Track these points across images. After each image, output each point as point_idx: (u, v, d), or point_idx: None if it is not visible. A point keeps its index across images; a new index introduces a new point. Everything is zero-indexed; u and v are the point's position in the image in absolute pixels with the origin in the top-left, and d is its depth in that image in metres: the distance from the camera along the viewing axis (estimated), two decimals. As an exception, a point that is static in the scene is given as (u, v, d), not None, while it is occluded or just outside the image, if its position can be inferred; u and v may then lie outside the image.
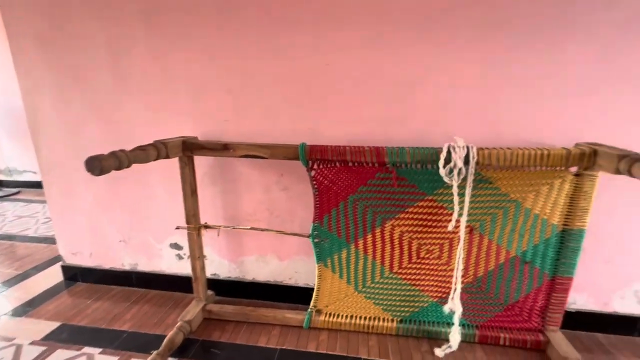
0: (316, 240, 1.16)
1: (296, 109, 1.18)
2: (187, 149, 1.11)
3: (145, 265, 1.49)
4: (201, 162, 1.27)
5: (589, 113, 1.05)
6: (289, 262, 1.36)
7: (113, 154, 0.84)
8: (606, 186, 1.04)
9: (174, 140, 1.07)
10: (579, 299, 1.21)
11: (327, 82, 1.14)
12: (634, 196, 1.08)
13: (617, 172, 0.85)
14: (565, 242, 1.04)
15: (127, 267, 1.51)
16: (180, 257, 1.44)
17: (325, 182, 1.09)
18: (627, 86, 1.01)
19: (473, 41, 1.04)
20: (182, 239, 1.39)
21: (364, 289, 1.20)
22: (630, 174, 0.81)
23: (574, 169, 0.99)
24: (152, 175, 1.34)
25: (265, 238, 1.34)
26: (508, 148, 0.96)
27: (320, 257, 1.18)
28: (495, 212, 1.05)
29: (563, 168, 0.98)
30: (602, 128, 1.05)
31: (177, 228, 1.25)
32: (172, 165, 1.21)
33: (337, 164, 1.06)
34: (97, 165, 0.79)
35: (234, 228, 1.30)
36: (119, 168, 0.85)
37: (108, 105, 1.30)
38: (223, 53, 1.17)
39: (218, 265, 1.42)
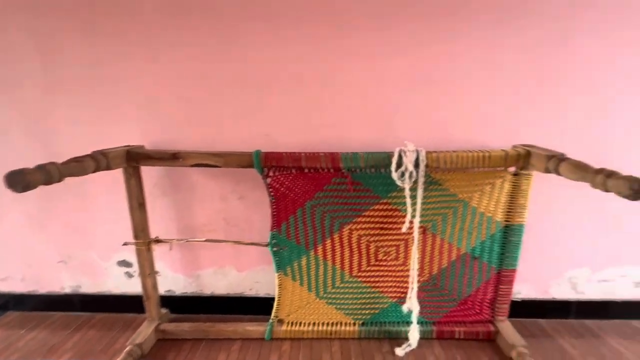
0: (275, 248, 1.14)
1: (251, 115, 1.16)
2: (132, 159, 1.04)
3: (90, 286, 1.36)
4: (151, 172, 1.19)
5: (527, 115, 1.14)
6: (248, 273, 1.32)
7: (41, 167, 0.76)
8: (542, 184, 1.14)
9: (115, 150, 1.00)
10: (523, 288, 1.31)
11: (282, 88, 1.13)
12: (566, 193, 1.19)
13: (547, 171, 0.93)
14: (508, 237, 1.12)
15: (67, 290, 1.37)
16: (129, 275, 1.33)
17: (282, 189, 1.08)
18: (561, 88, 1.11)
19: (421, 44, 1.09)
20: (132, 255, 1.29)
21: (325, 295, 1.19)
22: (557, 172, 0.90)
23: (512, 169, 1.07)
24: (94, 187, 1.23)
25: (223, 249, 1.28)
26: (454, 151, 1.02)
27: (280, 266, 1.16)
28: (446, 212, 1.10)
29: (503, 168, 1.06)
30: (538, 129, 1.15)
31: (125, 244, 1.16)
32: (117, 176, 1.13)
33: (293, 170, 1.05)
34: (20, 180, 0.71)
35: (188, 241, 1.24)
36: (48, 183, 0.76)
37: (38, 113, 1.18)
38: (170, 56, 1.12)
39: (172, 281, 1.34)
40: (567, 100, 1.12)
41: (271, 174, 1.06)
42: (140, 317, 1.31)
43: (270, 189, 1.08)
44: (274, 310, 1.20)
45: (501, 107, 1.14)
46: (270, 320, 1.20)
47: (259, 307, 1.31)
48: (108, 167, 0.96)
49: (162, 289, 1.32)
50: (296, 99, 1.14)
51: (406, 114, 1.15)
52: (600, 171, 0.76)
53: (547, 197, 1.18)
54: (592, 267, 1.27)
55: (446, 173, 1.06)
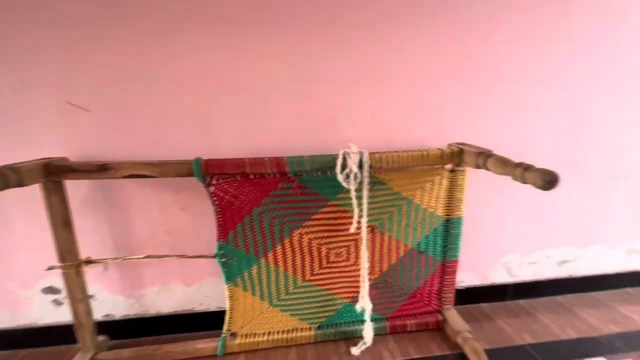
0: (223, 259, 1.09)
1: (192, 119, 1.10)
2: (52, 173, 0.93)
3: (9, 320, 1.19)
4: (79, 186, 1.08)
5: (463, 114, 1.23)
6: (197, 287, 1.25)
7: None
8: (476, 179, 1.23)
9: (30, 164, 0.88)
10: (465, 277, 1.40)
11: (224, 92, 1.09)
12: (497, 186, 1.30)
13: (477, 166, 1.01)
14: (449, 230, 1.20)
15: (-19, 328, 1.18)
16: (57, 303, 1.19)
17: (227, 197, 1.04)
18: (486, 86, 1.21)
19: (359, 44, 1.12)
20: (59, 280, 1.15)
21: (278, 303, 1.17)
22: (486, 167, 0.97)
23: (448, 166, 1.14)
24: (8, 207, 1.08)
25: (168, 264, 1.20)
26: (395, 151, 1.06)
27: (230, 277, 1.12)
28: (391, 210, 1.14)
29: (440, 166, 1.13)
30: (472, 128, 1.24)
31: (50, 268, 1.03)
32: (37, 193, 1.00)
33: (238, 177, 1.02)
34: None
35: (125, 259, 1.14)
36: None
37: None
38: (94, 55, 1.02)
39: (111, 304, 1.22)
40: (494, 97, 1.23)
41: (214, 182, 1.02)
42: (73, 348, 1.17)
43: (214, 198, 1.03)
44: (225, 324, 1.15)
45: (437, 106, 1.21)
46: (223, 335, 1.15)
47: (212, 322, 1.24)
48: (20, 184, 0.84)
49: (99, 314, 1.20)
50: (238, 103, 1.11)
51: (349, 116, 1.17)
52: (519, 165, 0.84)
53: (480, 191, 1.28)
54: (522, 252, 1.41)
55: (389, 173, 1.10)
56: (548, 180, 0.75)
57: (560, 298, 1.45)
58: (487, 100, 1.23)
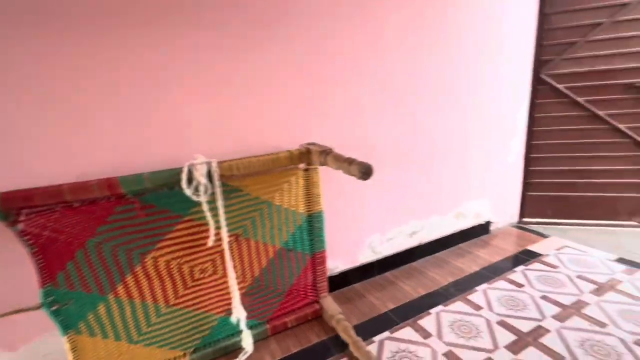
0: (53, 307, 0.91)
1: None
2: None
3: None
4: None
5: (317, 115, 1.32)
6: (28, 348, 1.01)
7: None
8: (337, 173, 1.35)
9: None
10: (339, 263, 1.53)
11: (38, 105, 0.90)
12: (351, 177, 1.46)
13: (322, 164, 1.11)
14: (313, 224, 1.28)
15: None
16: None
17: (46, 233, 0.87)
18: (331, 88, 1.33)
19: (202, 50, 1.09)
20: None
21: (140, 338, 1.05)
22: (327, 164, 1.07)
23: (303, 166, 1.22)
24: None
25: (-25, 331, 0.94)
26: (246, 157, 1.07)
27: (69, 325, 0.94)
28: (253, 215, 1.15)
29: (294, 166, 1.19)
30: (322, 128, 1.35)
31: None
32: None
33: (58, 207, 0.86)
34: None
35: None
36: None
37: None
38: None
39: None
40: (341, 98, 1.36)
41: (23, 218, 0.83)
42: None
43: (27, 237, 0.85)
44: (72, 382, 0.97)
45: (291, 110, 1.28)
46: (71, 395, 0.96)
47: (58, 383, 1.03)
48: None
49: None
50: (55, 117, 0.93)
51: (199, 126, 1.13)
52: (346, 160, 0.96)
53: (341, 183, 1.41)
54: (381, 231, 1.62)
55: (244, 179, 1.11)
56: (364, 172, 0.88)
57: (415, 264, 1.73)
58: (335, 101, 1.36)
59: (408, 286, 1.53)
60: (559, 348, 1.10)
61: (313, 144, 1.23)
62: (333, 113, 1.37)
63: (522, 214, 2.11)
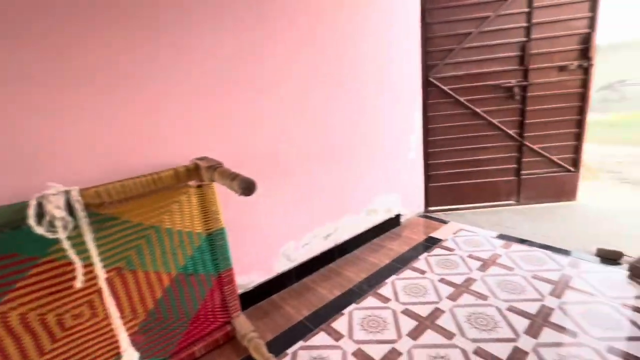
0: None
1: None
2: None
3: None
4: None
5: (210, 129, 1.24)
6: None
7: None
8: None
9: None
10: (253, 277, 1.48)
11: None
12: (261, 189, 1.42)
13: (211, 180, 1.05)
14: (214, 243, 1.21)
15: None
16: None
17: None
18: (224, 101, 1.27)
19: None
20: None
21: (-6, 413, 0.86)
22: (215, 180, 1.01)
23: (194, 183, 1.13)
24: None
25: None
26: (119, 181, 0.95)
27: None
28: (138, 243, 1.03)
29: (183, 184, 1.10)
30: (221, 141, 1.28)
31: None
32: None
33: None
34: None
35: None
36: None
37: None
38: None
39: None
40: (236, 108, 1.31)
41: None
42: None
43: None
44: None
45: (180, 123, 1.18)
46: None
47: None
48: None
49: None
50: None
51: (63, 148, 0.97)
52: (229, 176, 0.91)
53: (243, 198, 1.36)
54: (296, 238, 1.62)
55: (121, 205, 0.98)
56: (244, 187, 0.85)
57: (332, 265, 1.77)
58: (233, 111, 1.30)
59: (324, 289, 1.56)
60: (450, 326, 1.23)
61: (204, 158, 1.15)
62: (231, 124, 1.31)
63: (427, 204, 2.33)
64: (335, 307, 1.41)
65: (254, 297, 1.48)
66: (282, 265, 1.58)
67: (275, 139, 1.45)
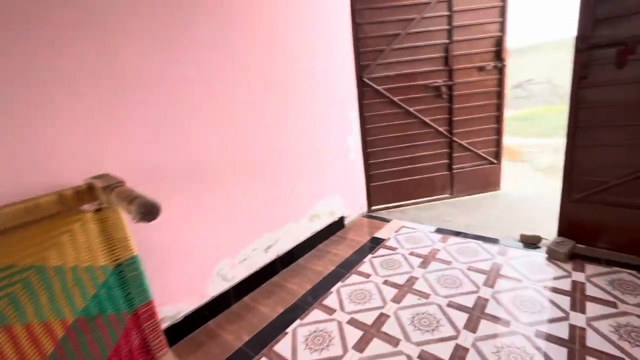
0: None
1: None
2: None
3: None
4: None
5: (113, 141, 1.04)
6: None
7: None
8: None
9: None
10: (182, 306, 1.30)
11: None
12: (184, 207, 1.25)
13: (108, 203, 0.87)
14: (125, 275, 1.01)
15: None
16: None
17: None
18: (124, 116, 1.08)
19: None
20: None
21: None
22: (112, 203, 0.84)
23: (89, 207, 0.93)
24: None
25: None
26: (-26, 214, 0.73)
27: None
28: (12, 290, 0.81)
29: (76, 210, 0.90)
30: (127, 155, 1.09)
31: None
32: None
33: None
34: None
35: None
36: None
37: None
38: None
39: None
40: (135, 120, 1.12)
41: None
42: None
43: None
44: None
45: (77, 138, 0.97)
46: None
47: None
48: None
49: None
50: None
51: None
52: (128, 197, 0.75)
53: (168, 214, 1.18)
54: (232, 254, 1.47)
55: (-18, 245, 0.76)
56: (143, 212, 0.69)
57: (275, 278, 1.65)
58: (143, 122, 1.11)
59: (267, 307, 1.44)
60: (395, 331, 1.20)
61: (103, 176, 0.96)
62: (144, 133, 1.12)
63: (370, 204, 2.34)
64: (279, 326, 1.30)
65: (185, 328, 1.30)
66: (218, 286, 1.42)
67: (198, 149, 1.29)
